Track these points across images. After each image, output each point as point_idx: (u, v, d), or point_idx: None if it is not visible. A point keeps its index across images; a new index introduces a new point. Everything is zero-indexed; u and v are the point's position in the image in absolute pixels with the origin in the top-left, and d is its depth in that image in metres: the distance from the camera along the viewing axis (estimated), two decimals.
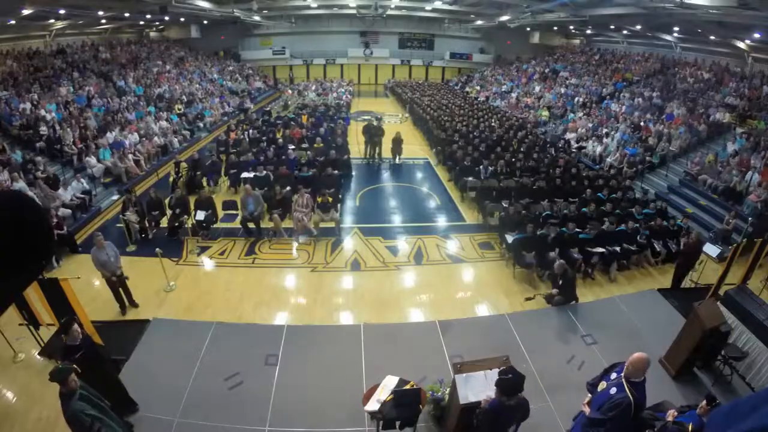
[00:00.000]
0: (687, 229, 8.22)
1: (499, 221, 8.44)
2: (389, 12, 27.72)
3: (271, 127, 15.35)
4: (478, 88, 27.00)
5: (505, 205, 9.08)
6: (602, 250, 7.47)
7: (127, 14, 18.08)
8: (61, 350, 3.98)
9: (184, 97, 18.39)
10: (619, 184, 10.71)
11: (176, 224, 8.30)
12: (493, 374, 3.54)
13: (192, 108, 17.67)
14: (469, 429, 3.65)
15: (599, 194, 9.62)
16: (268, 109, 20.37)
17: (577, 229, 7.72)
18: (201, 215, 8.24)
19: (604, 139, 14.46)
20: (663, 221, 8.46)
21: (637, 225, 8.07)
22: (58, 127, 11.36)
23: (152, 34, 25.87)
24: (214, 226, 8.60)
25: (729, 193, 9.97)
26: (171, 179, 10.73)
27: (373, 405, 4.00)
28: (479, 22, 28.52)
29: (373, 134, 13.71)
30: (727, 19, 12.13)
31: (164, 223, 8.54)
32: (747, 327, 5.15)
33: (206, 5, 19.94)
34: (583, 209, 8.81)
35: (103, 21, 18.92)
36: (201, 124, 17.06)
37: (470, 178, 10.64)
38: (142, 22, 22.36)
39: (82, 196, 9.31)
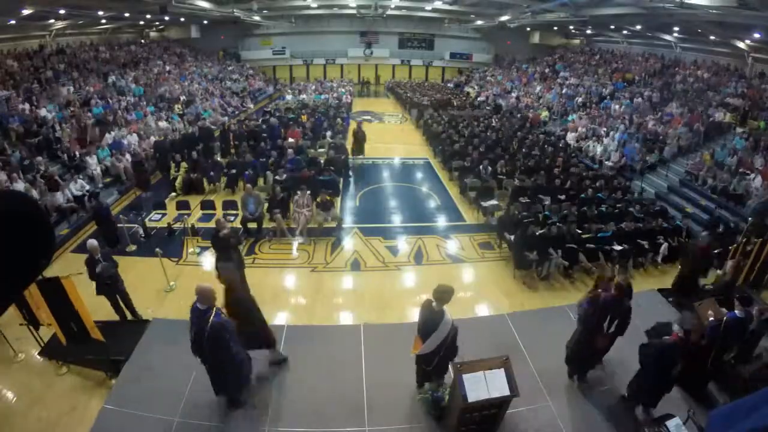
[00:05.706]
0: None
1: (499, 221, 8.44)
2: (389, 12, 27.70)
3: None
4: (478, 88, 26.98)
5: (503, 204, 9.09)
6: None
7: (127, 14, 18.08)
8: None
9: (184, 97, 18.38)
10: (619, 183, 10.70)
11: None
12: (493, 374, 3.53)
13: (192, 108, 17.65)
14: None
15: (599, 194, 9.62)
16: (268, 109, 20.29)
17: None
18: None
19: (604, 139, 14.45)
20: (663, 221, 8.47)
21: (640, 225, 8.08)
22: (58, 127, 11.35)
23: (152, 34, 25.85)
24: (206, 225, 8.56)
25: (729, 193, 9.96)
26: (172, 177, 10.78)
27: None
28: (479, 22, 28.49)
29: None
30: (727, 19, 12.12)
31: (163, 222, 8.53)
32: None
33: (206, 5, 19.93)
34: (583, 209, 8.80)
35: (103, 21, 18.92)
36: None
37: (470, 179, 10.62)
38: (142, 22, 22.35)
39: (79, 193, 9.27)
